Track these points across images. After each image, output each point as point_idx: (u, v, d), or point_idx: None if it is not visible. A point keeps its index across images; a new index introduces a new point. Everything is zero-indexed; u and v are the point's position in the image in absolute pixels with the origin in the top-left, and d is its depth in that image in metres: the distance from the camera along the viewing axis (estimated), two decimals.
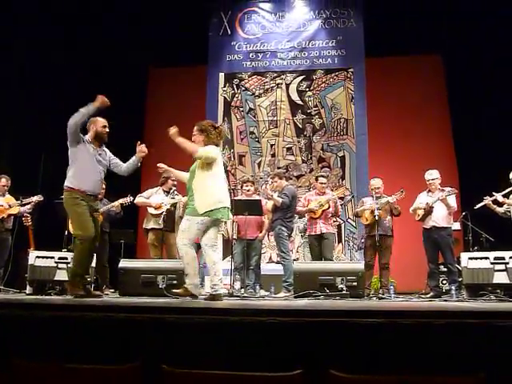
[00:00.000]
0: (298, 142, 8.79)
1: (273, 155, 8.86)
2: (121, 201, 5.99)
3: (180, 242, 3.91)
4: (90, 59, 7.86)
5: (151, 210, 5.89)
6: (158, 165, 4.09)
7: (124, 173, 4.32)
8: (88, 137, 4.23)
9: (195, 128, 3.93)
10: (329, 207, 6.02)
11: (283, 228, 5.76)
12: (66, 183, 4.07)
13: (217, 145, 3.98)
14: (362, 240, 6.30)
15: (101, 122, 4.31)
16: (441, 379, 1.92)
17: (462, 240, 6.87)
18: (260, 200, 5.83)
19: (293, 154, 8.84)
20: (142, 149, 4.24)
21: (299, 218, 6.88)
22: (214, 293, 3.89)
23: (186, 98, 8.69)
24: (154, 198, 5.92)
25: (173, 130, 3.83)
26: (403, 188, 5.85)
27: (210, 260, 3.86)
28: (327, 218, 6.05)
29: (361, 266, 5.25)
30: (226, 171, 8.56)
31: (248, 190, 5.97)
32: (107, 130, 4.30)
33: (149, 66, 9.12)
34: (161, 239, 5.69)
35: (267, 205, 5.97)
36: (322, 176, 6.36)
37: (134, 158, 4.28)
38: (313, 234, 6.07)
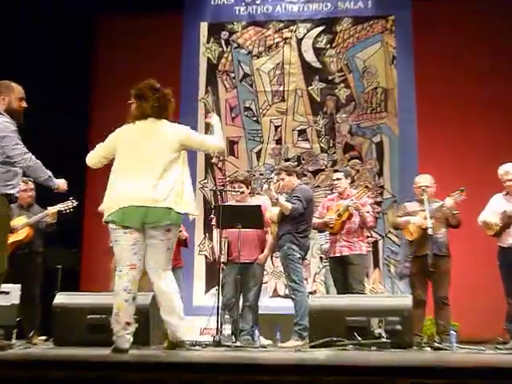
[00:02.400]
0: (315, 122, 8.81)
1: (278, 141, 8.88)
2: (59, 207, 5.98)
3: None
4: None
5: None
6: None
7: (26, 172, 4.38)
8: None
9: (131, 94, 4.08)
10: (350, 217, 6.01)
11: (294, 247, 5.79)
12: None
13: (157, 117, 4.06)
14: (407, 264, 6.30)
15: (17, 91, 4.30)
16: None
17: None
18: (260, 206, 5.79)
19: (307, 140, 8.85)
20: (62, 187, 4.48)
21: (319, 232, 6.92)
22: (174, 339, 4.00)
23: (152, 59, 8.65)
24: None
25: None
26: (464, 186, 5.92)
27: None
28: (352, 232, 6.05)
29: (407, 301, 5.25)
30: (211, 164, 8.75)
31: (242, 192, 6.00)
32: (25, 104, 4.32)
33: (97, 14, 9.30)
34: None
35: (271, 213, 6.02)
36: (338, 171, 6.40)
37: (51, 180, 4.38)
38: (332, 255, 6.11)
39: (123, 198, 3.92)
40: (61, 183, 4.37)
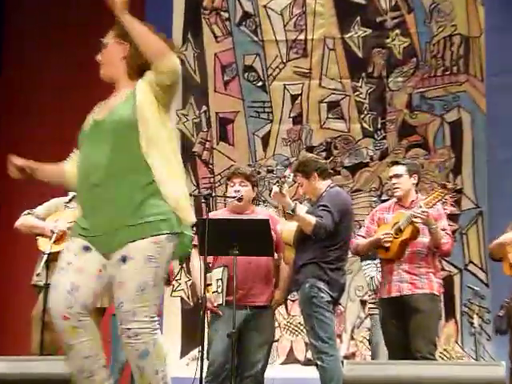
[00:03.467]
0: (355, 90, 8.45)
1: (297, 120, 8.49)
2: None
3: None
4: None
5: (45, 245, 5.99)
6: (11, 158, 3.93)
7: None
8: None
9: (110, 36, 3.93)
10: (416, 235, 5.71)
11: (321, 285, 5.52)
12: None
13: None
14: (500, 313, 6.36)
15: None
16: None
17: None
18: (267, 221, 5.62)
19: (342, 118, 8.43)
20: None
21: (363, 259, 6.77)
22: None
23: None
24: (58, 219, 6.15)
25: None
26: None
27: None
28: (418, 260, 5.78)
29: (499, 372, 4.78)
30: (192, 155, 8.45)
31: (239, 199, 5.71)
32: None
33: None
34: None
35: (284, 231, 5.79)
36: (397, 163, 6.12)
37: None
38: (385, 296, 5.86)
39: None
40: None
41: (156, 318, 3.36)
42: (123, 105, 3.43)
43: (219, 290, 5.65)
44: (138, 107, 3.39)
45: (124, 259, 3.28)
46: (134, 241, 3.28)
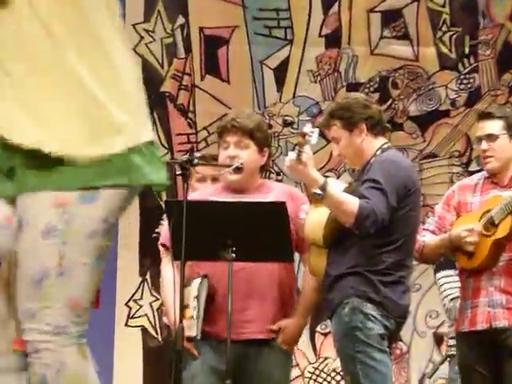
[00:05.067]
0: None
1: (331, 40, 7.45)
2: None
3: None
4: None
5: None
6: None
7: None
8: None
9: None
10: None
11: (368, 309, 4.56)
12: None
13: None
14: None
15: None
16: None
17: None
18: (283, 204, 4.67)
19: (406, 37, 7.33)
20: None
21: (436, 271, 5.78)
22: None
23: None
24: None
25: None
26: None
27: None
28: None
29: None
30: (161, 97, 7.44)
31: (238, 169, 4.81)
32: None
33: None
34: None
35: (308, 224, 4.82)
36: (489, 115, 5.09)
37: None
38: (466, 329, 4.88)
39: None
40: None
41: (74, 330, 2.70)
42: None
43: (194, 313, 4.64)
44: None
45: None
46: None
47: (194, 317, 4.59)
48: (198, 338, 4.52)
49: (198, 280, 4.60)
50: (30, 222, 2.45)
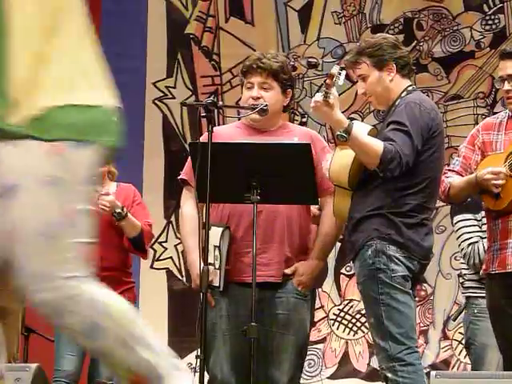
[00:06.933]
0: None
1: None
2: None
3: None
4: None
5: None
6: None
7: None
8: None
9: None
10: None
11: (391, 251, 4.83)
12: None
13: None
14: None
15: None
16: None
17: None
18: (308, 146, 4.95)
19: None
20: None
21: (453, 214, 6.07)
22: None
23: None
24: None
25: None
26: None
27: None
28: None
29: None
30: (185, 39, 7.84)
31: (262, 111, 5.06)
32: None
33: None
34: None
35: (333, 166, 5.03)
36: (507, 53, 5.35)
37: None
38: (497, 271, 5.14)
39: None
40: None
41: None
42: None
43: (216, 263, 4.82)
44: None
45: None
46: None
47: (216, 266, 4.79)
48: (221, 289, 4.74)
49: (219, 229, 4.82)
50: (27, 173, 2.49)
